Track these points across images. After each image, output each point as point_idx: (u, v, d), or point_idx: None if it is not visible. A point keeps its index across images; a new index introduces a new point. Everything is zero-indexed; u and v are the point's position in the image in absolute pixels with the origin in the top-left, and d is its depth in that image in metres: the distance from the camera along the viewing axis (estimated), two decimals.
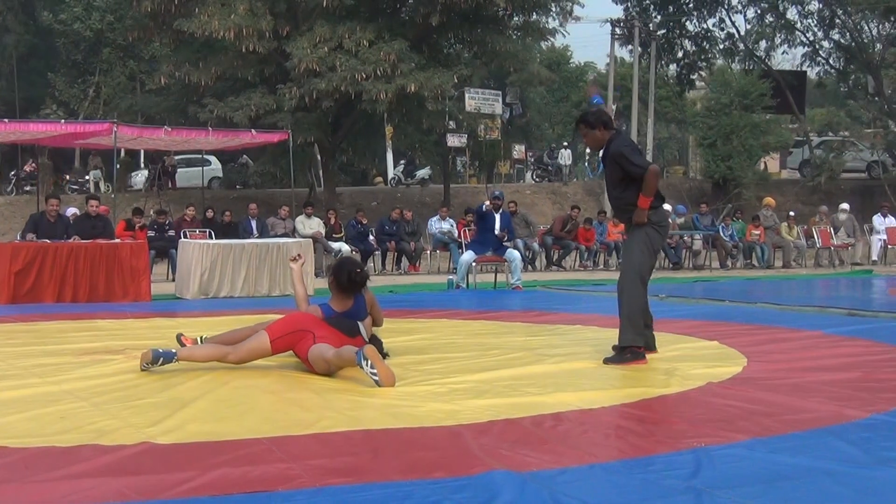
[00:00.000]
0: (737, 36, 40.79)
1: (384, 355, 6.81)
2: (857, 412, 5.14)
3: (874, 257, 24.01)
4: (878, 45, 38.77)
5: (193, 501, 3.60)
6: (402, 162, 39.68)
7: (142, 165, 36.25)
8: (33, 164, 32.88)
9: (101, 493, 3.67)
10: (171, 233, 18.02)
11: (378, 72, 24.24)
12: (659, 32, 37.99)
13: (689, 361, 7.03)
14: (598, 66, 56.80)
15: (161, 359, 6.50)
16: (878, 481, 3.88)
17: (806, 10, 39.22)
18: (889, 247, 24.31)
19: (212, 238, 17.30)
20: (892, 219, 24.59)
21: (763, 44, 41.16)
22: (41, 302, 12.50)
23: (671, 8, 39.39)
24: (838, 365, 6.87)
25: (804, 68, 41.55)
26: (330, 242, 19.21)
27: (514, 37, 29.52)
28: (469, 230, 19.54)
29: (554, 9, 28.74)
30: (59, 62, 39.20)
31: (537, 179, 41.40)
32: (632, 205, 7.01)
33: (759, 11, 39.84)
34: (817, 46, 40.56)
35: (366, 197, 33.19)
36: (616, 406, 5.44)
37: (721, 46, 41.24)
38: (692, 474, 3.91)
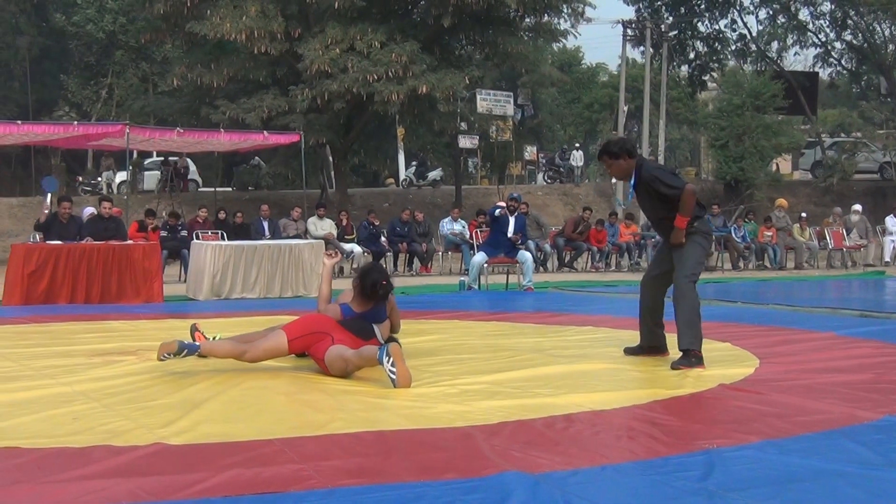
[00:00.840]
0: (749, 37, 40.74)
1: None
2: (870, 414, 5.13)
3: (887, 258, 23.93)
4: (890, 45, 38.72)
5: (205, 502, 3.60)
6: (414, 163, 39.69)
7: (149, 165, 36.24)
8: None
9: (114, 493, 3.68)
10: (184, 234, 18.05)
11: (390, 73, 24.26)
12: (671, 33, 37.92)
13: None
14: (610, 68, 56.87)
15: (185, 350, 6.47)
16: (891, 483, 3.87)
17: (818, 10, 39.18)
18: None
19: (224, 239, 17.33)
20: None
21: (775, 45, 41.12)
22: (54, 303, 12.54)
23: (683, 9, 39.33)
24: (851, 366, 6.85)
25: (816, 69, 41.55)
26: (342, 244, 19.22)
27: (526, 38, 29.50)
28: (481, 231, 19.52)
29: (565, 10, 28.68)
30: (72, 64, 39.39)
31: (549, 181, 41.38)
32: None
33: (771, 12, 39.80)
34: (829, 47, 40.51)
35: (377, 198, 33.22)
36: (628, 407, 5.43)
37: (733, 47, 41.19)
38: (704, 476, 3.91)
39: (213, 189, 28.83)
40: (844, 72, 41.93)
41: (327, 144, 28.04)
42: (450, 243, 20.85)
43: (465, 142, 31.00)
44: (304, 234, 18.76)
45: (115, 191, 30.82)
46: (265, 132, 20.68)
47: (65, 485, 3.82)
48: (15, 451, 4.36)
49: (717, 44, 40.82)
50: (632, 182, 7.21)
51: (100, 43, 37.52)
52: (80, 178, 35.03)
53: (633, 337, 7.81)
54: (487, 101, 29.91)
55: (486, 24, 27.41)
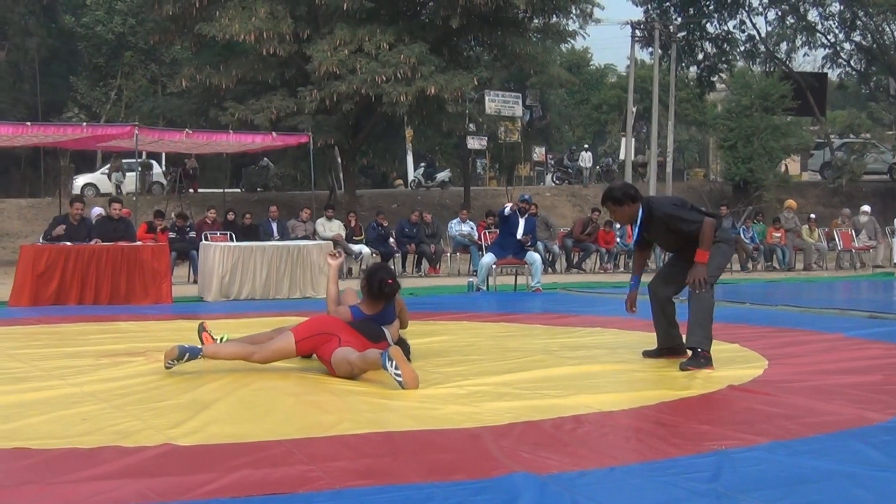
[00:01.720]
0: (757, 38, 40.63)
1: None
2: (879, 415, 5.13)
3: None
4: None
5: (214, 503, 3.62)
6: (422, 164, 39.70)
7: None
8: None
9: (123, 494, 3.70)
10: (192, 235, 18.08)
11: (398, 74, 24.27)
12: (679, 34, 37.84)
13: None
14: (618, 69, 56.83)
15: (187, 354, 6.51)
16: None
17: (827, 11, 39.06)
18: None
19: (233, 240, 17.35)
20: None
21: (784, 45, 40.99)
22: (63, 304, 12.56)
23: (691, 10, 39.27)
24: (859, 368, 6.85)
25: (825, 70, 41.42)
26: (350, 245, 19.23)
27: (534, 39, 29.50)
28: (489, 232, 19.51)
29: (574, 11, 28.67)
30: (81, 65, 39.46)
31: (557, 182, 41.35)
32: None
33: (779, 13, 39.68)
34: (838, 48, 40.40)
35: (386, 199, 33.22)
36: (636, 409, 5.44)
37: (742, 48, 41.08)
38: (713, 477, 3.91)
39: (221, 190, 28.83)
40: (853, 73, 41.81)
41: (336, 145, 28.05)
42: (458, 244, 20.84)
43: (473, 143, 30.96)
44: (313, 235, 18.78)
45: (122, 192, 30.81)
46: (274, 133, 20.70)
47: (74, 485, 3.83)
48: (24, 452, 4.37)
49: (725, 45, 40.70)
50: (637, 223, 7.19)
51: (109, 44, 37.57)
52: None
53: (642, 338, 7.82)
54: (496, 102, 29.86)
55: (494, 25, 27.42)
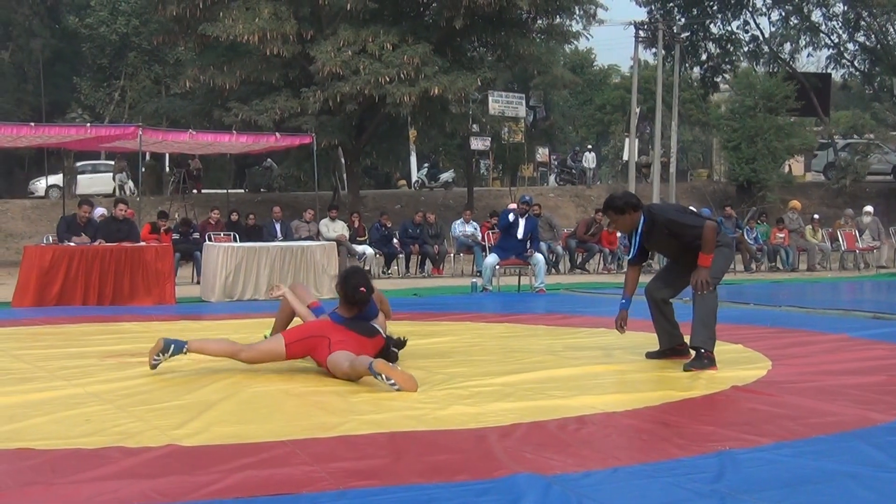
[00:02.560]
0: (761, 38, 40.63)
1: (393, 352, 6.82)
2: (883, 416, 5.12)
3: None
4: None
5: None
6: (426, 165, 39.68)
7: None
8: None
9: (126, 495, 3.70)
10: (196, 236, 18.08)
11: (402, 75, 24.29)
12: (683, 35, 37.84)
13: None
14: (622, 69, 56.82)
15: (172, 346, 6.47)
16: None
17: (831, 12, 39.05)
18: None
19: (236, 241, 17.36)
20: None
21: (787, 46, 41.00)
22: (67, 304, 12.58)
23: (695, 10, 39.27)
24: (863, 368, 6.84)
25: (829, 70, 41.39)
26: (354, 245, 19.24)
27: (538, 40, 29.50)
28: (493, 233, 19.52)
29: (577, 12, 28.67)
30: (85, 66, 39.49)
31: (561, 182, 41.34)
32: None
33: (783, 14, 39.67)
34: (842, 48, 40.38)
35: (389, 200, 33.23)
36: (640, 409, 5.43)
37: (745, 49, 41.08)
38: (716, 478, 3.90)
39: (225, 191, 28.83)
40: (857, 73, 41.80)
41: (339, 146, 28.05)
42: (462, 245, 20.86)
43: (476, 143, 30.99)
44: (317, 235, 18.78)
45: (126, 192, 30.81)
46: (277, 134, 20.71)
47: (78, 486, 3.83)
48: (28, 453, 4.37)
49: (729, 45, 40.72)
50: (638, 231, 7.19)
51: (113, 45, 37.61)
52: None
53: (646, 339, 7.82)
54: (499, 102, 29.90)
55: (497, 25, 27.40)
